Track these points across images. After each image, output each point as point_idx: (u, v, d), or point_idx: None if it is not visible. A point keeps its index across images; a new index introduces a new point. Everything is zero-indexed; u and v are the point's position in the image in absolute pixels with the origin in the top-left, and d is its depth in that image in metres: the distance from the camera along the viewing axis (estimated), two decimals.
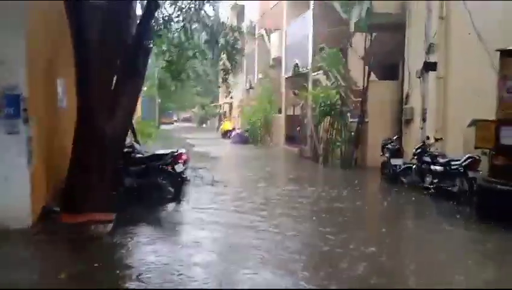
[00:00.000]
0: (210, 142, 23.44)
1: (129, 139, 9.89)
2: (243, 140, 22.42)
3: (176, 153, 8.12)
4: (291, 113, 19.78)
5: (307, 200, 8.46)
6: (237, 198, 8.57)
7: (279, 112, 21.33)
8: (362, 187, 10.40)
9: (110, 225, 5.98)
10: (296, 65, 18.24)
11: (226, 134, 26.12)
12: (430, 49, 10.67)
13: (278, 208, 7.98)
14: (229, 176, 11.11)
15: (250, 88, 26.37)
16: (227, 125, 27.50)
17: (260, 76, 24.13)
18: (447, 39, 10.23)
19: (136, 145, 9.83)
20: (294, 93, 18.46)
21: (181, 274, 4.53)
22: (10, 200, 5.79)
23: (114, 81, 6.75)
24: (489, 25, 8.52)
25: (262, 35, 23.82)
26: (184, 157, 9.66)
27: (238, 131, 23.87)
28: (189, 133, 33.92)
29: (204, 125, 48.06)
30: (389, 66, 13.84)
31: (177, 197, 7.99)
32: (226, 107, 35.13)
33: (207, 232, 6.19)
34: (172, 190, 8.05)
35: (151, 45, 8.15)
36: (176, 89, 14.37)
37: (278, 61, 21.59)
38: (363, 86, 13.00)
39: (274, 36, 21.80)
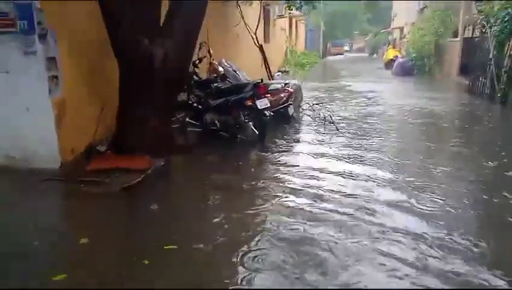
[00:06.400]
0: (365, 74, 20.32)
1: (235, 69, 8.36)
2: (405, 71, 18.50)
3: (259, 84, 6.14)
4: (470, 36, 15.22)
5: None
6: (335, 149, 6.08)
7: (455, 35, 16.80)
8: None
9: (138, 177, 4.56)
10: None
11: (389, 64, 22.32)
12: None
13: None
14: (349, 115, 8.68)
15: (423, 8, 21.68)
16: (390, 53, 23.44)
17: None
18: None
19: (241, 75, 8.27)
20: (476, 9, 13.94)
21: None
22: (36, 136, 4.87)
23: None
24: None
25: None
26: (288, 91, 7.70)
27: (400, 60, 19.82)
28: (351, 63, 30.95)
29: (375, 55, 43.53)
30: None
31: (261, 141, 6.17)
32: (397, 33, 30.47)
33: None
34: (255, 131, 6.24)
35: None
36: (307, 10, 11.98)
37: None
38: None
39: None
